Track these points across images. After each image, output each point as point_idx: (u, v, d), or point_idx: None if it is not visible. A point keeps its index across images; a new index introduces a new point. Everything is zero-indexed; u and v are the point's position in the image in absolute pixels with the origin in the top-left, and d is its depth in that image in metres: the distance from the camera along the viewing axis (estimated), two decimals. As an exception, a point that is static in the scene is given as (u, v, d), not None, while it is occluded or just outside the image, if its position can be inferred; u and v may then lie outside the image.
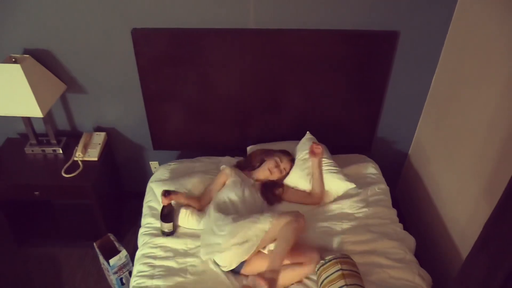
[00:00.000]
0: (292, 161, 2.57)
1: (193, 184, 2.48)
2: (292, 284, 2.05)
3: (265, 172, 2.49)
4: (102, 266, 2.63)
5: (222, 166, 2.51)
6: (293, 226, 1.98)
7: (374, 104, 2.73)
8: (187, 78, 2.59)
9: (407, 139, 2.97)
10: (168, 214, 2.26)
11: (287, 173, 2.54)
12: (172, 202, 2.32)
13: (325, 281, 1.88)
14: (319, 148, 2.45)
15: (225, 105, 2.72)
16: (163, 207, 2.25)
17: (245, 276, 2.09)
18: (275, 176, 2.49)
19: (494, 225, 1.67)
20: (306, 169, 2.49)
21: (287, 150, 2.63)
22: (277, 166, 2.50)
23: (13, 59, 2.37)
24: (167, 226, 2.27)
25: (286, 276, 2.01)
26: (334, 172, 2.48)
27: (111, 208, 2.92)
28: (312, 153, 2.46)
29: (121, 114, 2.82)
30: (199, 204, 2.42)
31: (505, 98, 1.92)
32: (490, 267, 1.69)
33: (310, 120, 2.78)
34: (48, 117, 2.69)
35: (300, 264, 2.03)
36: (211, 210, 2.27)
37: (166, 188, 2.40)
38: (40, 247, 2.91)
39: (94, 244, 2.53)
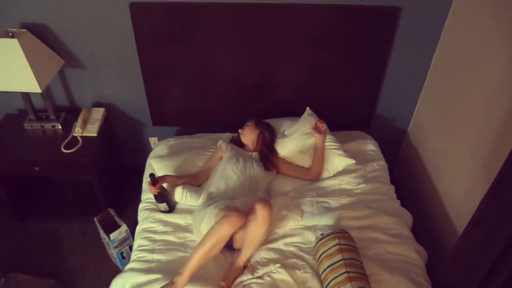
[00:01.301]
0: (254, 118, 2.63)
1: (187, 162, 2.52)
2: (258, 249, 2.09)
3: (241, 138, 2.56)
4: (103, 240, 2.66)
5: (219, 143, 2.54)
6: (217, 226, 1.93)
7: (374, 80, 2.72)
8: (186, 53, 2.57)
9: (407, 116, 2.97)
10: (160, 196, 2.26)
11: (259, 130, 2.55)
12: (165, 185, 2.34)
13: (322, 255, 1.91)
14: (323, 126, 2.47)
15: (225, 81, 2.70)
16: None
17: (238, 251, 2.13)
18: (245, 132, 2.54)
19: (490, 201, 1.68)
20: (307, 145, 2.49)
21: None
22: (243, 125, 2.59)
23: (10, 34, 2.34)
24: (162, 206, 2.29)
25: (247, 247, 2.04)
26: (334, 148, 2.49)
27: (111, 184, 2.94)
28: (316, 130, 2.48)
29: (120, 89, 2.81)
30: (197, 180, 2.45)
31: (505, 76, 1.91)
32: (484, 242, 1.72)
33: (310, 96, 2.77)
34: (47, 93, 2.67)
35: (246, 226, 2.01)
36: (205, 189, 2.33)
37: (164, 167, 2.46)
38: (41, 223, 2.95)
39: (95, 219, 2.55)
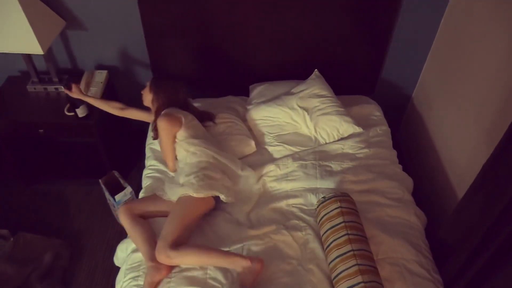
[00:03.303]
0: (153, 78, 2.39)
1: None
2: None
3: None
4: (108, 202, 2.70)
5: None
6: None
7: (380, 44, 2.68)
8: (189, 13, 2.52)
9: (412, 81, 2.94)
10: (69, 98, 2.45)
11: (152, 93, 2.31)
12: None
13: (324, 218, 1.94)
14: None
15: (229, 42, 2.66)
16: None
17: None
18: (143, 94, 2.38)
19: (492, 166, 1.70)
20: (311, 106, 2.49)
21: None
22: None
23: (10, -7, 2.30)
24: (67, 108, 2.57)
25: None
26: (341, 114, 2.48)
27: (115, 146, 2.96)
28: None
29: (123, 52, 2.78)
30: (121, 112, 2.47)
31: (513, 42, 1.88)
32: (483, 207, 1.74)
33: (314, 58, 2.73)
34: (49, 55, 2.65)
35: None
36: None
37: None
38: (47, 185, 2.99)
39: (100, 181, 2.59)
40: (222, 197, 2.11)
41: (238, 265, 1.86)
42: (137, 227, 2.02)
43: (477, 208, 1.79)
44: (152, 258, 1.89)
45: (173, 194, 2.11)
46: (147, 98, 2.33)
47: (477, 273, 1.82)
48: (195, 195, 2.03)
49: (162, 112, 2.23)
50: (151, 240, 1.98)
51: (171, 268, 1.89)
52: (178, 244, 1.91)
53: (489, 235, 1.72)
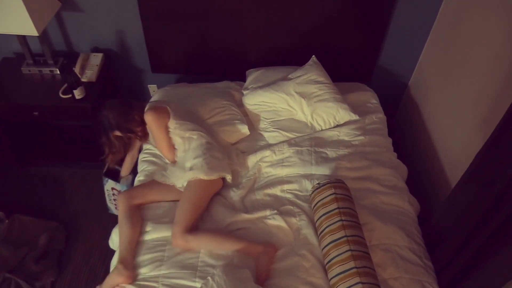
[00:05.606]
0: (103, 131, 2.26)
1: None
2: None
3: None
4: (106, 191, 2.65)
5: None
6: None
7: (378, 31, 2.66)
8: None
9: (408, 70, 2.94)
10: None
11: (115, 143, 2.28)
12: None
13: (318, 204, 1.95)
14: None
15: (225, 25, 2.64)
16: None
17: None
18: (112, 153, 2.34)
19: (485, 155, 1.71)
20: (309, 92, 2.47)
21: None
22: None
23: (4, -27, 2.26)
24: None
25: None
26: (338, 101, 2.47)
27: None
28: None
29: (119, 34, 2.75)
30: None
31: (510, 33, 1.87)
32: (476, 194, 1.76)
33: (311, 44, 2.72)
34: (44, 37, 2.62)
35: None
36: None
37: None
38: (43, 167, 2.99)
39: (103, 176, 2.54)
40: (228, 177, 2.16)
41: (252, 250, 1.91)
42: (127, 224, 2.01)
43: (469, 197, 1.81)
44: (122, 260, 1.90)
45: (178, 179, 2.13)
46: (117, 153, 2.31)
47: (468, 261, 1.85)
48: (206, 178, 2.05)
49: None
50: (132, 243, 1.98)
51: (134, 278, 1.87)
52: (192, 227, 1.95)
53: (481, 223, 1.74)
